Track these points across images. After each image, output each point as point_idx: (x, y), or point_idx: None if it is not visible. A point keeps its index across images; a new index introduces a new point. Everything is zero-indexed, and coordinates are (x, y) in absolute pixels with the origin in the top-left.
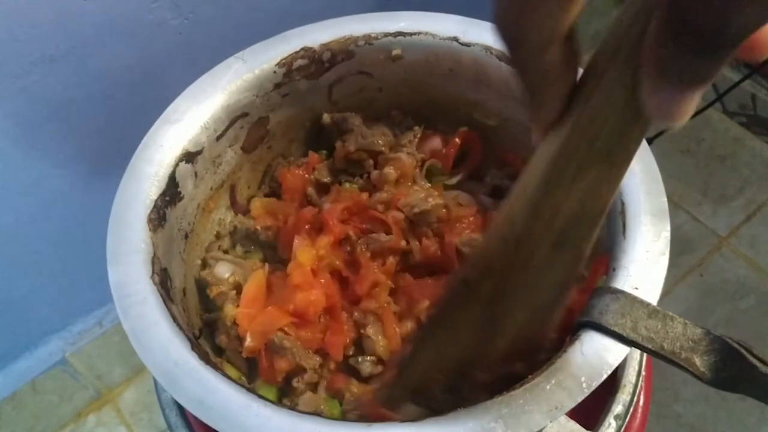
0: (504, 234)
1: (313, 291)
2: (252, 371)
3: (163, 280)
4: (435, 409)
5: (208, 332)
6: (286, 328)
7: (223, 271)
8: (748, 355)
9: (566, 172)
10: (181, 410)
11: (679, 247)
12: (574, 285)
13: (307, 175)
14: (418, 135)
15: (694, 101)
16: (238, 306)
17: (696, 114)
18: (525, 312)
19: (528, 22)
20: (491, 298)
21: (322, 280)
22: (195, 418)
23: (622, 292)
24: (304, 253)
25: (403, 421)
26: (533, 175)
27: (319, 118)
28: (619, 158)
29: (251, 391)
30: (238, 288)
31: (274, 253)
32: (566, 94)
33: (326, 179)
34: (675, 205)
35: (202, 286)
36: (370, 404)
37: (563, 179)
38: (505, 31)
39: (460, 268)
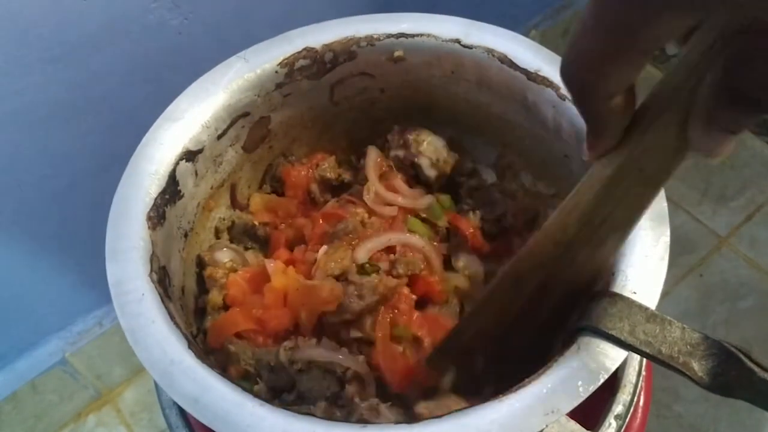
0: (557, 239)
1: (281, 311)
2: None
3: (161, 278)
4: (474, 376)
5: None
6: (243, 333)
7: (223, 256)
8: (746, 360)
9: (617, 191)
10: (182, 410)
11: (679, 247)
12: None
13: (311, 171)
14: None
15: (734, 143)
16: (225, 294)
17: None
18: (561, 300)
19: (601, 78)
20: (537, 291)
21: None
22: (195, 417)
23: (620, 296)
24: (279, 278)
25: (441, 387)
26: (587, 194)
27: (321, 119)
28: (661, 181)
29: (246, 390)
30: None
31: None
32: (623, 130)
33: (329, 175)
34: (675, 205)
35: (201, 274)
36: (416, 367)
37: (613, 197)
38: (573, 81)
39: (511, 267)
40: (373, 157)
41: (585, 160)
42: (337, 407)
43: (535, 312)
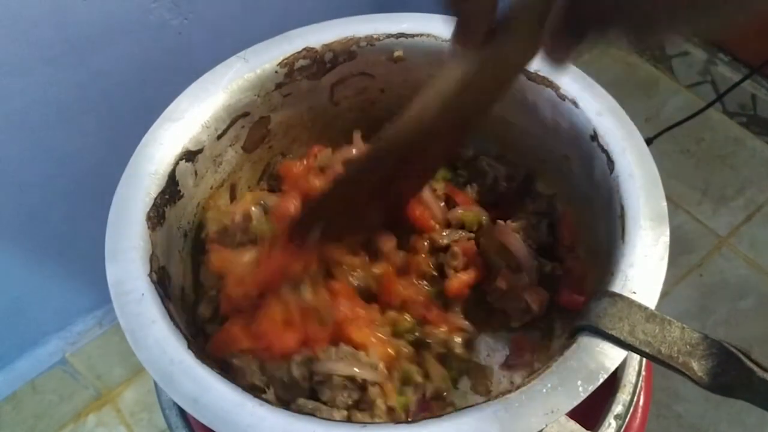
0: (421, 120)
1: (284, 336)
2: None
3: (161, 278)
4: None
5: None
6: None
7: None
8: (745, 360)
9: (476, 81)
10: (181, 410)
11: (679, 247)
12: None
13: (309, 163)
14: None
15: (574, 55)
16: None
17: (696, 114)
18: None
19: None
20: (402, 163)
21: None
22: (195, 418)
23: (620, 296)
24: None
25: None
26: (449, 84)
27: (321, 119)
28: (513, 75)
29: (246, 390)
30: None
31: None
32: (486, 31)
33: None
34: (675, 205)
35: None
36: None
37: (472, 86)
38: None
39: (374, 146)
40: (357, 140)
41: (450, 52)
42: (359, 410)
43: (395, 181)
